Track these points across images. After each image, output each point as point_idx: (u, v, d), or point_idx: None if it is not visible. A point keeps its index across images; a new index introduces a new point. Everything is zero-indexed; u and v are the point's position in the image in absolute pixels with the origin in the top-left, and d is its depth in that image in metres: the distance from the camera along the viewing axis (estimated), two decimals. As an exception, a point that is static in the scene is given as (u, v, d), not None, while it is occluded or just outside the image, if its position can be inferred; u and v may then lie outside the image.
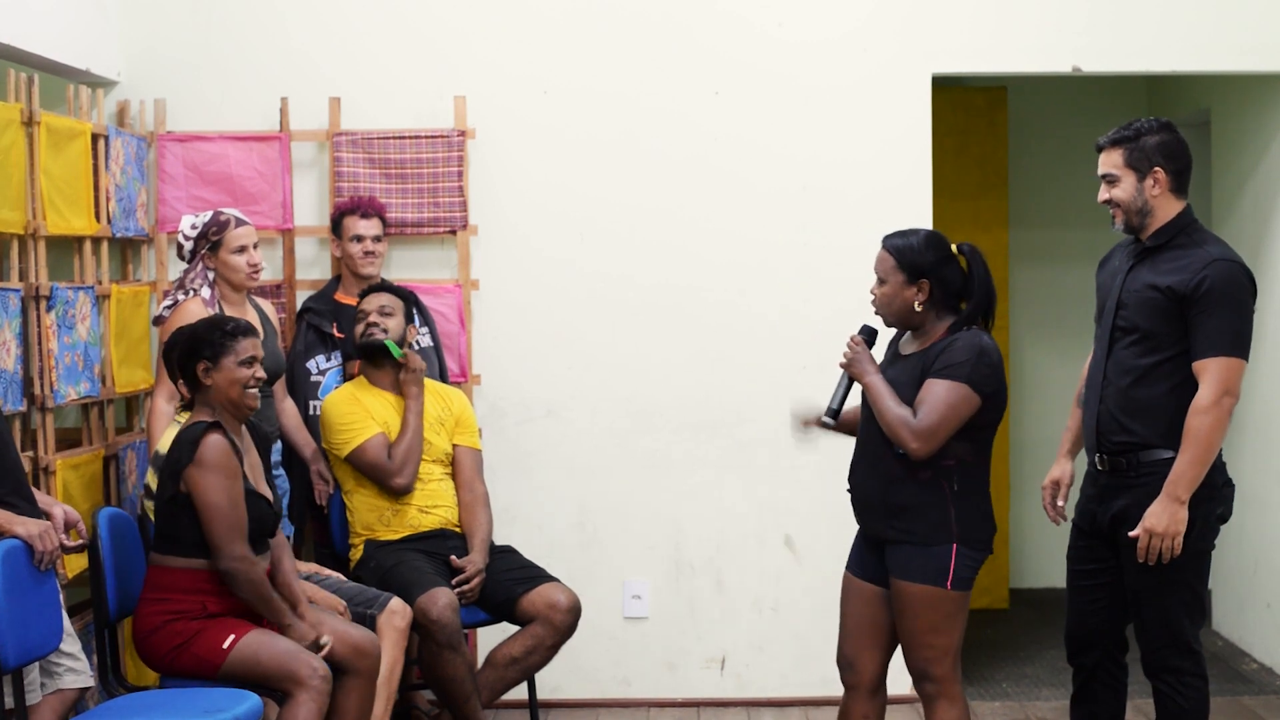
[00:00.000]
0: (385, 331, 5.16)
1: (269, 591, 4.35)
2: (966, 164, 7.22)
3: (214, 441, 4.29)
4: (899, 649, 4.26)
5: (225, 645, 4.27)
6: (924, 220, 5.78)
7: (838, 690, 4.40)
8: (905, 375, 4.13)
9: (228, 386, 4.37)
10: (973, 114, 7.25)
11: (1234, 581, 6.61)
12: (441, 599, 4.84)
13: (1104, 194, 4.25)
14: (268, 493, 4.49)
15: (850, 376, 4.22)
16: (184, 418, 4.45)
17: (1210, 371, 4.08)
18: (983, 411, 4.07)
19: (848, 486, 4.28)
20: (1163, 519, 4.08)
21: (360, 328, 5.18)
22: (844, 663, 4.31)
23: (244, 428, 4.50)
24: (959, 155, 7.16)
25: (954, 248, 4.17)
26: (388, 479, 5.10)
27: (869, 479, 4.18)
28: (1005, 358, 7.38)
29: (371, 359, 5.19)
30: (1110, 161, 4.23)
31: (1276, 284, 6.16)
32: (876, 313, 4.22)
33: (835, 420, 4.28)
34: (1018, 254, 7.54)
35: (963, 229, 7.19)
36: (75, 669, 4.22)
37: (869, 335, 4.27)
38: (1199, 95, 6.99)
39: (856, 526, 4.30)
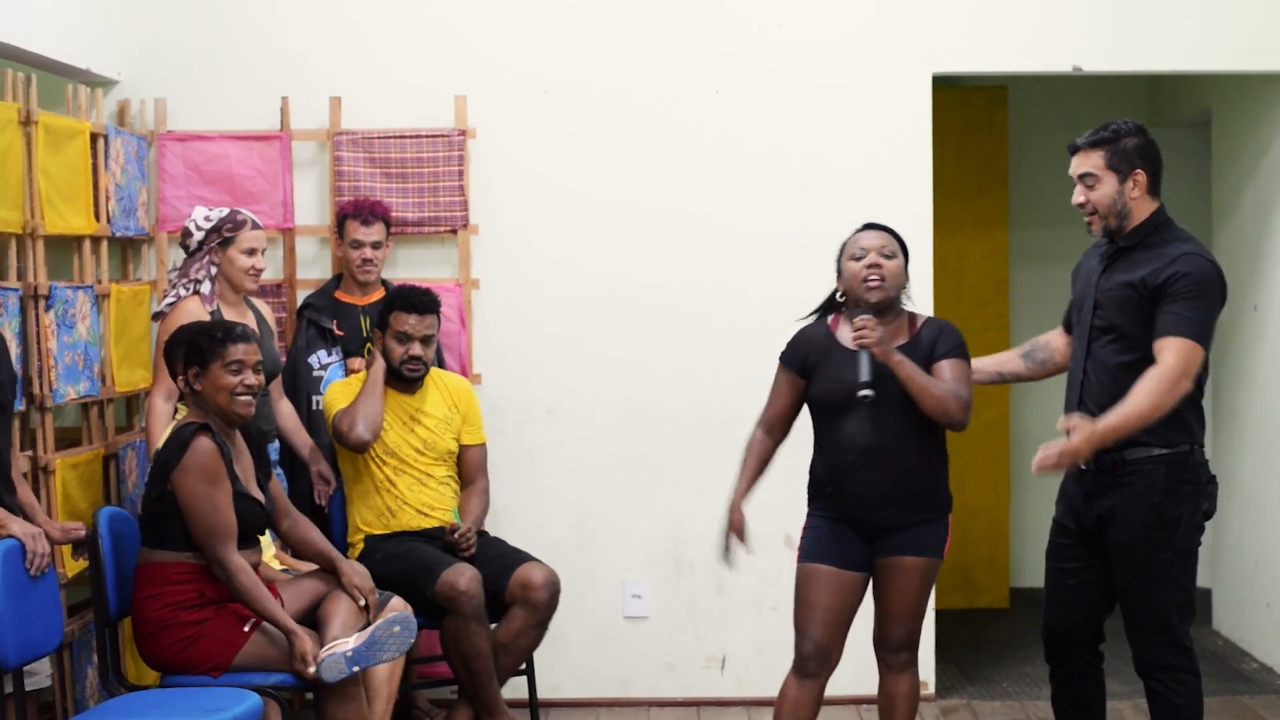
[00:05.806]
0: (424, 365, 5.19)
1: (260, 593, 4.33)
2: (966, 164, 7.22)
3: (202, 445, 4.28)
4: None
5: (246, 629, 4.29)
6: (924, 221, 5.78)
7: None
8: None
9: (215, 393, 4.37)
10: (973, 114, 7.24)
11: (1234, 581, 6.60)
12: (466, 571, 4.94)
13: (1080, 196, 4.25)
14: (259, 495, 4.48)
15: (873, 355, 4.19)
16: (183, 412, 4.45)
17: (1172, 349, 4.03)
18: None
19: (829, 490, 4.32)
20: (1073, 450, 4.00)
21: (401, 351, 5.13)
22: (818, 653, 4.28)
23: (236, 431, 4.49)
24: (959, 155, 7.16)
25: None
26: (343, 441, 5.10)
27: (887, 472, 4.22)
28: (1005, 357, 7.46)
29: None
30: (1089, 162, 4.23)
31: (1277, 284, 6.16)
32: (875, 289, 4.24)
33: (875, 392, 4.19)
34: (1018, 254, 7.53)
35: (962, 229, 7.20)
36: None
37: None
38: (1199, 95, 6.99)
39: None
